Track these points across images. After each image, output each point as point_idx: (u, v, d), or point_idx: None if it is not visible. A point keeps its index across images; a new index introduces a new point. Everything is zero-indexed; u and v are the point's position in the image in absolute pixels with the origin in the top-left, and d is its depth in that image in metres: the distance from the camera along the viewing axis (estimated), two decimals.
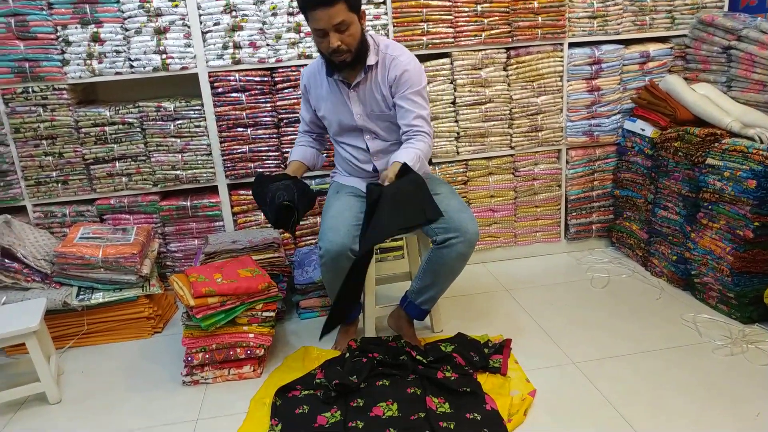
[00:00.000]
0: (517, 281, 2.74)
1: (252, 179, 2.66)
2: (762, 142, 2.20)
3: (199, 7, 2.47)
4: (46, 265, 2.34)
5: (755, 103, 2.48)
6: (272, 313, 2.08)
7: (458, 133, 2.78)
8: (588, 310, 2.42)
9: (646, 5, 2.81)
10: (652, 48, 2.86)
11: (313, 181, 2.72)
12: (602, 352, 2.08)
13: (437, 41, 2.62)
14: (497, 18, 2.67)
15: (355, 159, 2.13)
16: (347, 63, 1.89)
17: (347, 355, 2.03)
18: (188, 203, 2.65)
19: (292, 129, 2.64)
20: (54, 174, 2.56)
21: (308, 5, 1.79)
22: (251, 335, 2.03)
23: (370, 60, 1.95)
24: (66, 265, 2.30)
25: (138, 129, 2.56)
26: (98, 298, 2.30)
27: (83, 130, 2.53)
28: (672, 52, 2.88)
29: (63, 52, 2.44)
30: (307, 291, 2.46)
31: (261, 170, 2.66)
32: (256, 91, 2.58)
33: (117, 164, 2.59)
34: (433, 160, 2.74)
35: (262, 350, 2.03)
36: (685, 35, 2.86)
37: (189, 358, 2.00)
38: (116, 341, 2.37)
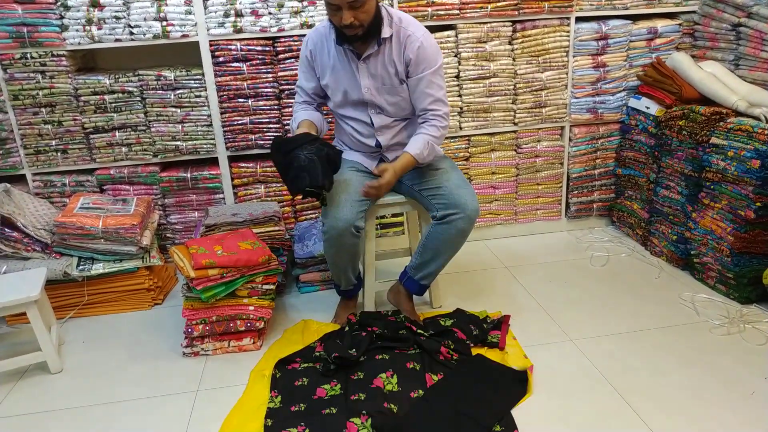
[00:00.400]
0: (517, 258, 2.74)
1: (254, 151, 2.65)
2: (767, 122, 2.18)
3: None
4: (46, 234, 2.33)
5: (762, 83, 2.45)
6: (272, 286, 2.09)
7: (461, 108, 2.75)
8: (586, 289, 2.43)
9: None
10: (660, 24, 2.81)
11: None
12: (600, 330, 2.10)
13: (442, 12, 2.57)
14: None
15: (358, 133, 2.11)
16: (359, 37, 1.85)
17: (347, 328, 2.04)
18: (188, 175, 2.63)
19: (293, 100, 2.58)
20: (53, 143, 2.54)
21: None
22: (251, 308, 2.04)
23: (385, 33, 1.89)
24: (66, 236, 2.30)
25: (138, 98, 2.53)
26: (98, 268, 2.31)
27: (83, 98, 2.50)
28: (680, 28, 2.84)
29: (62, 17, 2.40)
30: (307, 265, 2.46)
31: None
32: (258, 61, 2.54)
33: (117, 134, 2.56)
34: None
35: (262, 323, 2.04)
36: (694, 11, 2.82)
37: (189, 330, 2.01)
38: (117, 312, 2.38)
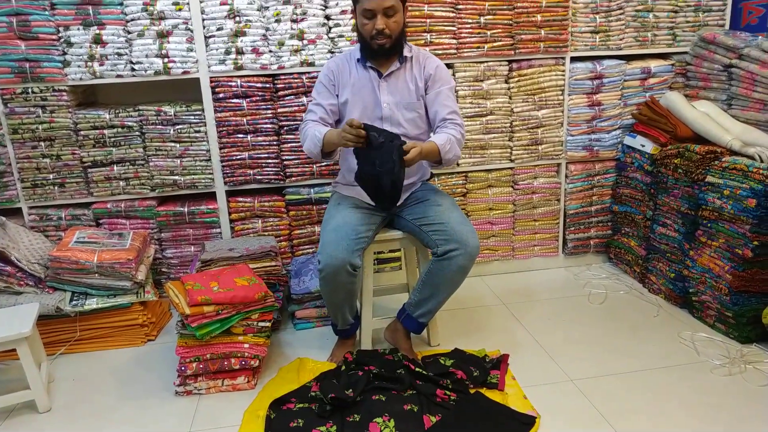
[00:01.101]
0: (515, 295, 2.72)
1: (252, 186, 2.66)
2: (762, 161, 2.21)
3: (202, 12, 2.46)
4: (39, 269, 2.31)
5: (755, 122, 2.48)
6: (268, 324, 2.06)
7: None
8: (585, 327, 2.40)
9: (648, 21, 2.82)
10: (654, 64, 2.87)
11: (312, 190, 2.70)
12: (600, 370, 2.07)
13: (440, 52, 2.62)
14: (500, 30, 2.67)
15: None
16: (385, 50, 1.99)
17: (343, 367, 2.01)
18: (186, 209, 2.62)
19: (292, 136, 2.63)
20: (51, 176, 2.54)
21: None
22: (246, 345, 2.01)
23: (406, 52, 2.08)
24: (60, 270, 2.27)
25: (137, 133, 2.54)
26: (92, 304, 2.27)
27: (82, 132, 2.51)
28: (673, 68, 2.89)
29: (64, 53, 2.43)
30: (303, 301, 2.44)
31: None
32: (258, 98, 2.57)
33: (115, 168, 2.57)
34: (433, 172, 2.73)
35: (257, 361, 2.01)
36: (686, 52, 2.88)
37: (182, 368, 1.97)
38: (109, 348, 2.34)
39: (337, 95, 2.12)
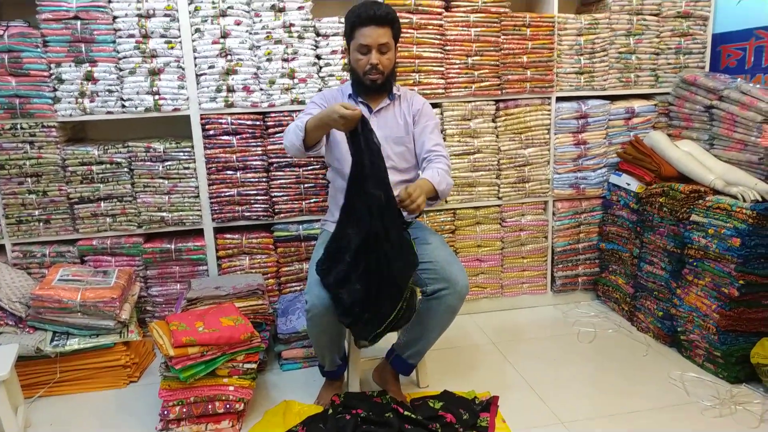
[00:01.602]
0: (504, 334, 2.71)
1: (240, 222, 2.64)
2: (745, 201, 2.24)
3: (194, 50, 2.48)
4: (20, 308, 2.26)
5: (737, 162, 2.53)
6: (254, 365, 2.02)
7: None
8: (575, 366, 2.39)
9: (631, 63, 2.90)
10: (637, 104, 2.93)
11: (300, 227, 2.69)
12: (590, 412, 2.05)
13: (428, 92, 2.66)
14: (487, 71, 2.72)
15: None
16: (377, 85, 2.03)
17: (330, 411, 1.97)
18: (173, 246, 2.60)
19: (281, 173, 2.63)
20: (36, 212, 2.51)
21: (363, 21, 1.96)
22: (231, 388, 1.96)
23: (395, 90, 2.14)
24: (42, 309, 2.22)
25: (126, 169, 2.53)
26: (73, 344, 2.22)
27: (70, 168, 2.49)
28: (656, 108, 2.96)
29: (55, 90, 2.43)
30: (290, 341, 2.40)
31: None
32: (248, 135, 2.58)
33: (102, 204, 2.54)
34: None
35: (242, 404, 1.96)
36: (668, 93, 2.95)
37: (165, 412, 1.92)
38: (89, 390, 2.27)
39: None
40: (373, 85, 2.04)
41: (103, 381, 2.29)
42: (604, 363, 2.41)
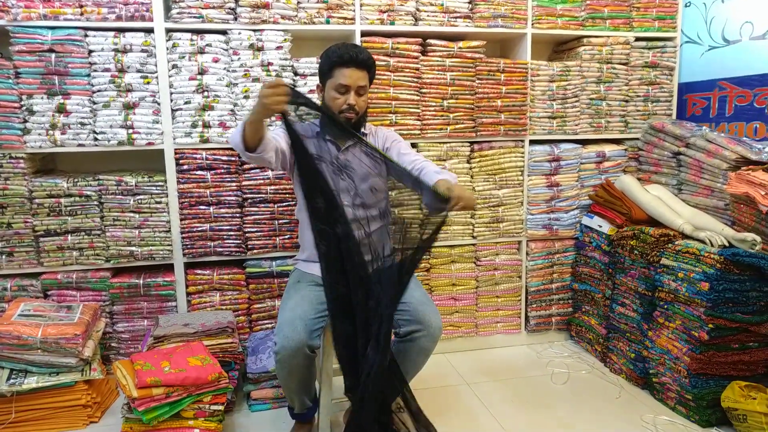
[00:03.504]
0: (478, 375, 2.68)
1: (212, 258, 2.60)
2: (713, 246, 2.29)
3: (171, 86, 2.48)
4: None
5: (704, 207, 2.59)
6: (221, 407, 1.96)
7: (422, 220, 2.80)
8: (549, 409, 2.37)
9: (602, 109, 2.98)
10: (608, 149, 3.01)
11: (273, 263, 2.66)
12: None
13: (405, 132, 2.69)
14: (462, 114, 2.77)
15: None
16: (350, 124, 2.02)
17: None
18: (141, 281, 2.54)
19: (255, 208, 2.61)
20: None
21: (345, 62, 1.98)
22: (196, 430, 1.90)
23: (365, 129, 2.15)
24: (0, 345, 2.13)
25: (95, 202, 2.49)
26: (31, 382, 2.12)
27: (37, 200, 2.44)
28: (626, 153, 3.04)
29: (25, 121, 2.39)
30: (259, 381, 2.34)
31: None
32: (222, 170, 2.57)
33: (69, 237, 2.48)
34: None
35: None
36: (638, 138, 3.03)
37: None
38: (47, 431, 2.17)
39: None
40: (347, 124, 2.04)
41: (61, 421, 2.19)
42: (577, 405, 2.40)
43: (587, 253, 2.92)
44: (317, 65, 2.58)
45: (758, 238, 2.21)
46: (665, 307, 2.40)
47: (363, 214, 1.99)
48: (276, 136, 1.97)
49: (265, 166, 2.02)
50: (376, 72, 2.19)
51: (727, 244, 2.27)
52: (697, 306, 2.24)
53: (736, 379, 2.20)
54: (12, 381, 2.13)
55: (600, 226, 2.81)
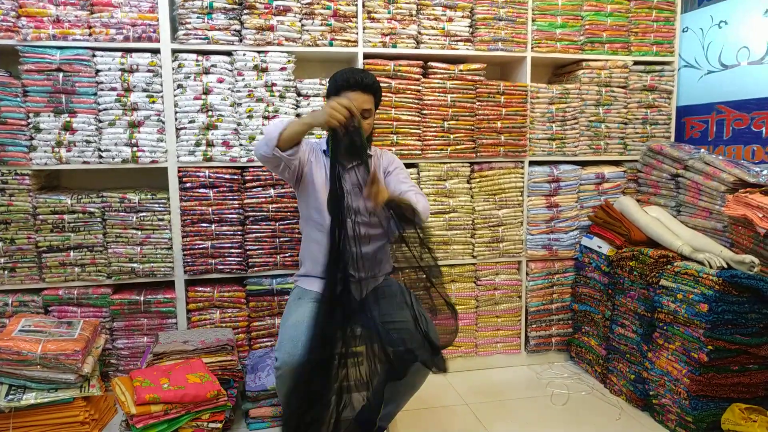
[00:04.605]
0: (478, 395, 2.67)
1: (212, 275, 2.61)
2: (711, 267, 2.29)
3: (176, 105, 2.52)
4: None
5: (702, 229, 2.61)
6: (219, 425, 1.96)
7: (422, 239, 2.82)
8: (548, 430, 2.36)
9: (601, 131, 3.02)
10: (607, 170, 3.03)
11: (274, 281, 2.67)
12: None
13: (405, 152, 2.73)
14: (463, 135, 2.81)
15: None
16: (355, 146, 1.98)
17: None
18: (141, 298, 2.55)
19: (257, 227, 2.63)
20: (2, 260, 2.45)
21: (351, 85, 2.01)
22: None
23: (370, 151, 2.17)
24: None
25: (99, 219, 2.51)
26: (29, 398, 2.12)
27: (40, 216, 2.46)
28: (625, 175, 3.06)
29: (31, 138, 2.43)
30: (258, 399, 2.33)
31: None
32: (225, 188, 2.59)
33: (71, 253, 2.50)
34: (395, 266, 2.75)
35: None
36: (636, 160, 3.06)
37: None
38: None
39: (302, 163, 2.10)
40: (353, 147, 2.03)
41: None
42: (577, 426, 2.38)
43: (587, 273, 2.92)
44: (320, 86, 2.64)
45: (756, 260, 2.22)
46: (665, 328, 2.40)
47: (365, 232, 1.99)
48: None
49: (277, 168, 2.00)
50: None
51: (725, 266, 2.28)
52: (696, 327, 2.24)
53: (736, 402, 2.20)
54: (10, 397, 2.12)
55: (599, 247, 2.83)
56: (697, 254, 2.40)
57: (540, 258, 2.99)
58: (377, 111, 2.41)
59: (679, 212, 2.77)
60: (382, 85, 2.51)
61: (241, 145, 2.59)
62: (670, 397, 2.35)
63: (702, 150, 2.74)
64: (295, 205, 2.60)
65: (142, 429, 1.82)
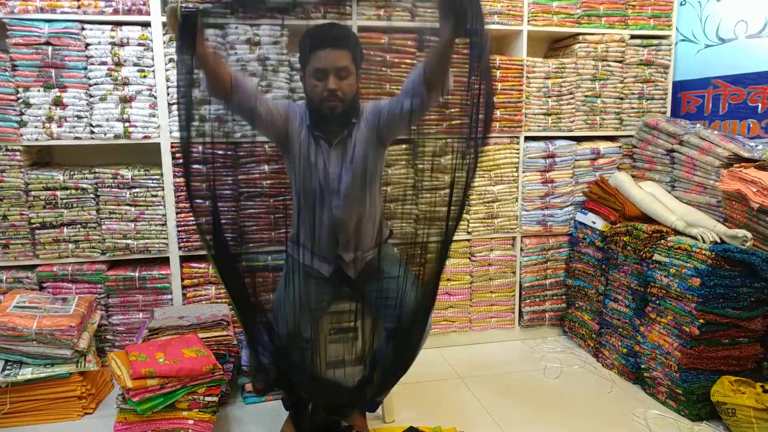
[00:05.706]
0: (472, 369, 2.70)
1: (205, 251, 2.60)
2: (704, 242, 2.31)
3: (167, 79, 2.49)
4: None
5: (697, 204, 2.62)
6: (215, 398, 1.98)
7: (417, 216, 2.82)
8: (541, 403, 2.39)
9: (597, 106, 3.00)
10: (602, 146, 3.02)
11: (269, 257, 2.66)
12: None
13: None
14: (458, 110, 2.78)
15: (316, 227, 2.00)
16: (336, 115, 1.77)
17: None
18: (136, 274, 2.55)
19: (251, 203, 2.62)
20: None
21: (317, 44, 1.72)
22: (190, 422, 1.91)
23: (355, 119, 1.86)
24: None
25: (92, 195, 2.50)
26: (26, 373, 2.13)
27: (33, 193, 2.44)
28: (620, 150, 3.06)
29: (21, 114, 2.40)
30: None
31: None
32: (219, 164, 2.57)
33: (65, 230, 2.49)
34: (391, 242, 2.75)
35: None
36: (632, 136, 3.05)
37: None
38: (41, 423, 2.18)
39: (280, 120, 1.87)
40: (331, 114, 1.77)
41: (56, 413, 2.20)
42: (569, 400, 2.42)
43: (581, 249, 2.94)
44: None
45: (749, 235, 2.23)
46: (657, 302, 2.42)
47: (339, 203, 1.89)
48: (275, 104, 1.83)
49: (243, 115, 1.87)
50: (373, 67, 2.15)
51: (718, 241, 2.29)
52: (688, 301, 2.26)
53: (726, 374, 2.23)
54: (7, 372, 2.14)
55: (594, 223, 2.83)
56: (691, 229, 2.41)
57: (534, 234, 3.00)
58: (370, 84, 2.23)
59: (673, 187, 2.78)
60: (376, 59, 2.49)
61: (233, 120, 2.56)
62: (661, 370, 2.38)
63: (698, 125, 2.73)
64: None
65: (139, 402, 1.83)
